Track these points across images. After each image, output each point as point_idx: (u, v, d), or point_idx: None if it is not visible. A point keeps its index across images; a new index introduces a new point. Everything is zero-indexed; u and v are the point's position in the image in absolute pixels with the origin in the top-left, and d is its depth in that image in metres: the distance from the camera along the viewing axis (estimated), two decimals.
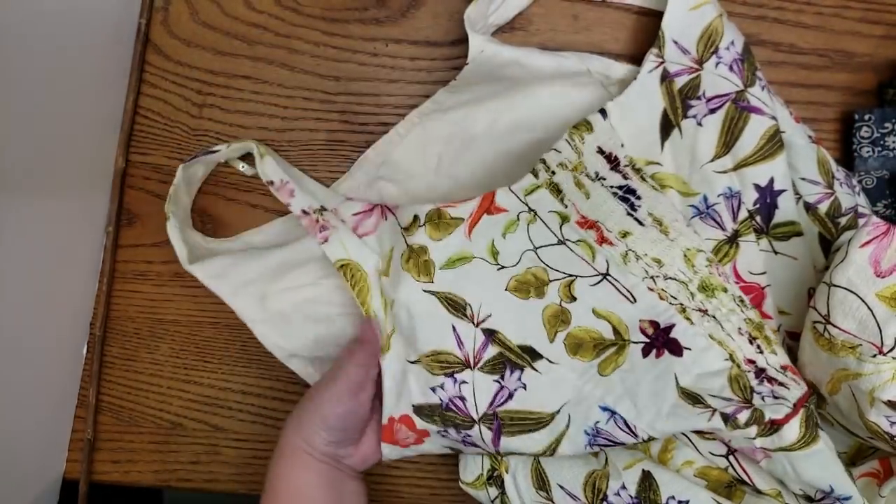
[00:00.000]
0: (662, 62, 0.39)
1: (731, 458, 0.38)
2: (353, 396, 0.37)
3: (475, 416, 0.37)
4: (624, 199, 0.40)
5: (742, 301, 0.38)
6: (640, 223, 0.39)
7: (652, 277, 0.38)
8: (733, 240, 0.40)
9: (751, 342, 0.37)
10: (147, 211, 0.48)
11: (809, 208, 0.40)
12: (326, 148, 0.47)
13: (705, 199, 0.40)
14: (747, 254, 0.40)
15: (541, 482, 0.39)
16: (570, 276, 0.38)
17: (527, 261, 0.39)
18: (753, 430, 0.35)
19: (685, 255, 0.39)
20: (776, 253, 0.40)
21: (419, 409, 0.38)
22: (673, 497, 0.37)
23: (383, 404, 0.39)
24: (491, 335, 0.37)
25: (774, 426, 0.34)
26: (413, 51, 0.47)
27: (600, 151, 0.40)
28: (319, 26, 0.47)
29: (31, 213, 0.40)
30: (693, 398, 0.36)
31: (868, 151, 0.44)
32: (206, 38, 0.47)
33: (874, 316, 0.33)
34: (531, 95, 0.44)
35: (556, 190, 0.40)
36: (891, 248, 0.33)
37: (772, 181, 0.39)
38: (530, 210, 0.39)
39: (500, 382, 0.37)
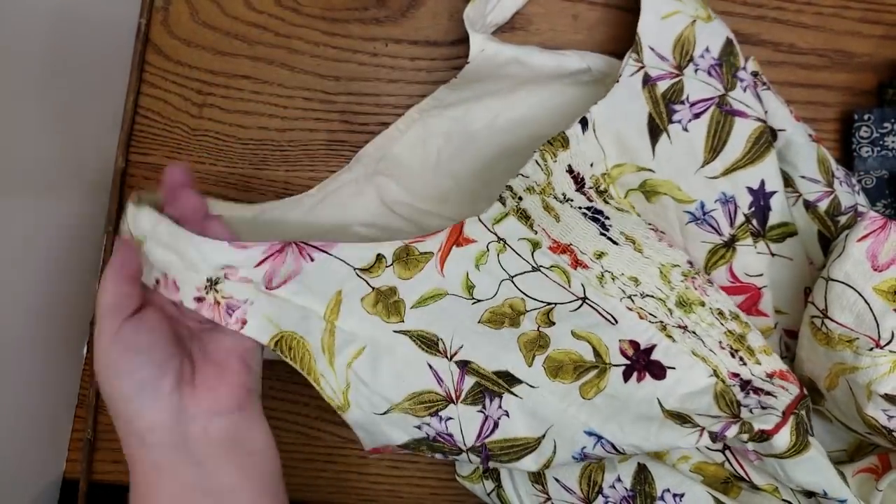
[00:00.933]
0: (643, 66, 0.39)
1: (727, 453, 0.38)
2: (130, 319, 0.32)
3: (463, 447, 0.36)
4: (594, 220, 0.39)
5: (721, 313, 0.38)
6: (614, 242, 0.39)
7: (630, 297, 0.37)
8: (730, 244, 0.40)
9: (732, 355, 0.37)
10: None
11: (809, 206, 0.40)
12: (326, 148, 0.47)
13: (702, 205, 0.39)
14: (744, 257, 0.39)
15: (536, 475, 0.39)
16: (549, 304, 0.37)
17: (505, 290, 0.37)
18: (745, 436, 0.35)
19: (661, 272, 0.39)
20: (773, 255, 0.40)
21: (405, 445, 0.36)
22: (668, 490, 0.37)
23: (362, 441, 0.37)
24: (465, 366, 0.35)
25: (764, 435, 0.34)
26: (413, 51, 0.47)
27: (570, 171, 0.40)
28: (319, 26, 0.47)
29: (31, 213, 0.40)
30: (680, 418, 0.35)
31: (867, 151, 0.44)
32: (206, 38, 0.47)
33: (871, 310, 0.33)
34: (531, 93, 0.44)
35: (525, 216, 0.38)
36: (888, 242, 0.33)
37: (763, 183, 0.39)
38: (499, 239, 0.37)
39: (483, 413, 0.35)
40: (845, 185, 0.40)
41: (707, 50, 0.39)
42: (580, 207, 0.39)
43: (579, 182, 0.40)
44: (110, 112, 0.47)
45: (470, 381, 0.35)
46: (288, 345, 0.35)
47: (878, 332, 0.33)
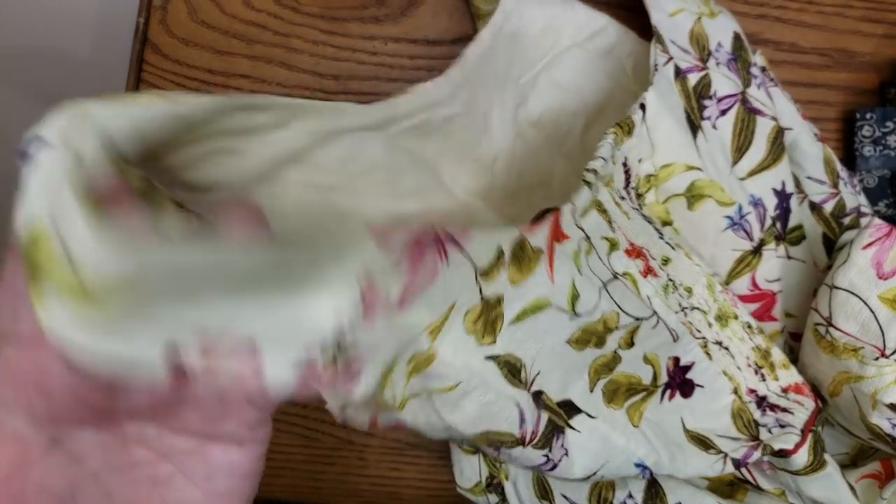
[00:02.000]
0: (671, 57, 0.36)
1: None
2: None
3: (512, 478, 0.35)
4: (649, 221, 0.35)
5: (749, 327, 0.37)
6: (672, 248, 0.35)
7: (683, 309, 0.34)
8: (758, 250, 0.38)
9: (756, 372, 0.36)
10: None
11: (814, 208, 0.39)
12: None
13: (740, 208, 0.37)
14: (767, 262, 0.38)
15: (543, 491, 0.38)
16: (637, 319, 0.32)
17: (604, 304, 0.31)
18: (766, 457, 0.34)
19: (708, 282, 0.36)
20: (789, 258, 0.39)
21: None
22: (680, 503, 0.36)
23: None
24: (538, 398, 0.30)
25: (784, 454, 0.33)
26: (413, 49, 0.46)
27: (624, 165, 0.34)
28: (318, 25, 0.47)
29: None
30: (703, 443, 0.33)
31: (870, 151, 0.43)
32: (204, 37, 0.47)
33: (876, 318, 0.33)
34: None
35: (602, 209, 0.31)
36: (893, 249, 0.33)
37: (784, 185, 0.37)
38: (587, 237, 0.30)
39: (548, 456, 0.31)
40: (849, 186, 0.40)
41: (720, 45, 0.37)
42: (632, 207, 0.35)
43: (627, 180, 0.35)
44: None
45: (544, 417, 0.30)
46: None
47: (884, 342, 0.32)
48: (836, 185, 0.39)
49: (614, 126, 0.33)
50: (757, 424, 0.34)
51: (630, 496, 0.37)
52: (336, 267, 0.19)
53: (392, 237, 0.22)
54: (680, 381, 0.33)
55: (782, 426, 0.34)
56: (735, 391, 0.35)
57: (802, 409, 0.35)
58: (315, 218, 0.32)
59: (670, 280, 0.33)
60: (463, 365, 0.28)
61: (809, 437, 0.33)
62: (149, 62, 0.47)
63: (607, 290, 0.31)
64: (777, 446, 0.33)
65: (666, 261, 0.34)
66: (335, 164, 0.34)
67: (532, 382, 0.30)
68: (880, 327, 0.32)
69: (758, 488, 0.37)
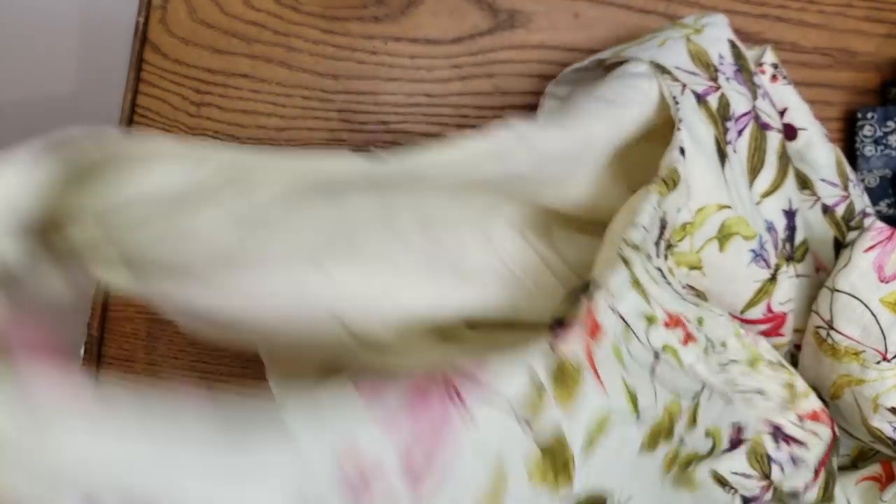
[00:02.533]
0: (684, 84, 0.31)
1: None
2: None
3: None
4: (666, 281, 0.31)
5: (771, 364, 0.34)
6: (697, 305, 0.31)
7: (723, 366, 0.31)
8: (774, 276, 0.35)
9: (782, 407, 0.33)
10: None
11: (826, 211, 0.38)
12: (326, 147, 0.47)
13: (760, 238, 0.33)
14: (781, 286, 0.35)
15: None
16: (694, 398, 0.28)
17: (661, 392, 0.26)
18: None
19: (735, 332, 0.32)
20: (798, 276, 0.36)
21: None
22: None
23: None
24: None
25: (794, 495, 0.32)
26: (413, 49, 0.46)
27: (661, 220, 0.29)
28: (318, 24, 0.47)
29: None
30: (721, 482, 0.31)
31: (871, 150, 0.43)
32: (204, 37, 0.47)
33: (878, 322, 0.32)
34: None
35: (637, 283, 0.26)
36: (895, 252, 0.33)
37: (790, 202, 0.35)
38: (626, 323, 0.25)
39: None
40: (858, 188, 0.39)
41: (721, 56, 0.34)
42: (657, 268, 0.31)
43: (661, 234, 0.30)
44: (108, 111, 0.46)
45: None
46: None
47: (885, 345, 0.32)
48: (846, 188, 0.38)
49: (657, 182, 0.28)
50: (769, 460, 0.31)
51: None
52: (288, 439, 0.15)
53: (384, 392, 0.17)
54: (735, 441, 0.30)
55: (795, 463, 0.31)
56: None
57: (818, 442, 0.33)
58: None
59: (708, 341, 0.29)
60: None
61: (822, 474, 0.32)
62: (148, 62, 0.47)
63: (654, 376, 0.26)
64: (787, 488, 0.31)
65: (700, 321, 0.29)
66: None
67: None
68: (882, 331, 0.32)
69: None
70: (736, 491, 0.32)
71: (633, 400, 0.24)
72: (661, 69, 0.32)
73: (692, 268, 0.33)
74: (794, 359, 0.39)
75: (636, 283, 0.26)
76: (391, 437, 0.17)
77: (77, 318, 0.46)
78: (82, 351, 0.47)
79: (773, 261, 0.35)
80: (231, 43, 0.47)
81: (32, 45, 0.37)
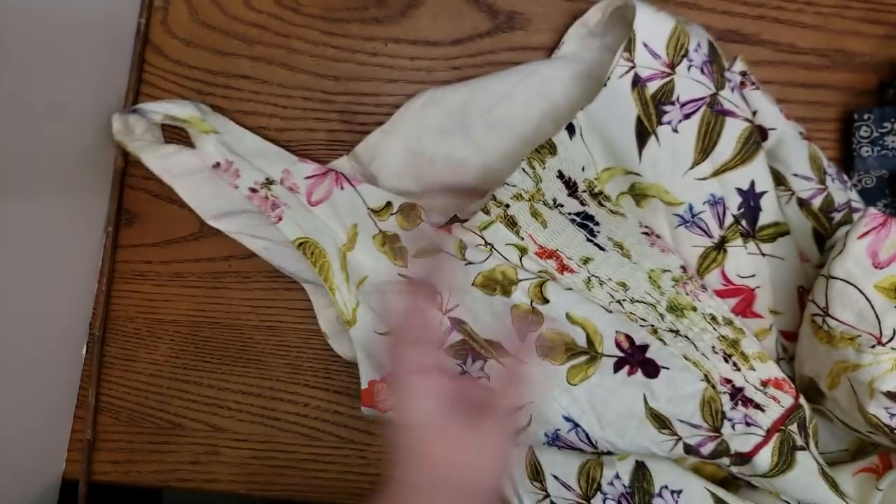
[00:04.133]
0: (633, 66, 0.38)
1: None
2: None
3: None
4: (582, 226, 0.40)
5: (713, 318, 0.38)
6: (602, 248, 0.39)
7: (619, 301, 0.38)
8: (720, 246, 0.40)
9: (726, 360, 0.37)
10: (147, 211, 0.48)
11: (803, 204, 0.40)
12: (326, 148, 0.47)
13: (691, 207, 0.39)
14: (735, 258, 0.40)
15: (535, 473, 0.39)
16: (541, 276, 0.37)
17: (494, 260, 0.38)
18: (726, 459, 0.35)
19: (650, 277, 0.39)
20: (763, 255, 0.40)
21: None
22: (666, 487, 0.37)
23: (360, 371, 0.40)
24: (458, 324, 0.37)
25: (743, 458, 0.34)
26: (412, 50, 0.47)
27: (560, 176, 0.40)
28: (319, 26, 0.47)
29: (31, 213, 0.40)
30: (661, 422, 0.35)
31: (867, 151, 0.44)
32: (205, 38, 0.47)
33: (873, 307, 0.33)
34: (528, 87, 0.43)
35: (511, 223, 0.39)
36: (889, 239, 0.33)
37: (753, 184, 0.39)
38: (487, 244, 0.38)
39: (462, 367, 0.37)
40: (838, 182, 0.40)
41: (699, 45, 0.38)
42: (570, 213, 0.40)
43: (571, 187, 0.40)
44: (110, 112, 0.47)
45: (457, 336, 0.37)
46: (311, 250, 0.41)
47: (880, 330, 0.33)
48: (823, 182, 0.40)
49: (532, 152, 0.39)
50: (723, 416, 0.35)
51: (617, 476, 0.37)
52: None
53: (307, 162, 0.43)
54: (641, 360, 0.36)
55: (748, 424, 0.34)
56: (706, 378, 0.35)
57: (777, 406, 0.36)
58: None
59: (593, 276, 0.38)
60: (372, 268, 0.40)
61: (775, 437, 0.34)
62: (150, 62, 0.48)
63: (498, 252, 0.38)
64: (734, 447, 0.34)
65: (586, 260, 0.39)
66: None
67: (450, 310, 0.37)
68: (876, 315, 0.33)
69: (749, 484, 0.37)
70: (679, 438, 0.34)
71: (461, 249, 0.38)
72: (630, 43, 0.38)
73: (617, 213, 0.41)
74: (789, 357, 0.40)
75: (507, 221, 0.39)
76: (307, 179, 0.42)
77: (79, 317, 0.47)
78: (84, 350, 0.47)
79: (716, 231, 0.40)
80: (232, 44, 0.47)
81: (32, 46, 0.37)
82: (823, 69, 0.45)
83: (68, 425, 0.47)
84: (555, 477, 0.39)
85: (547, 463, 0.39)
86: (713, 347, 0.37)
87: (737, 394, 0.35)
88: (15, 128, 0.38)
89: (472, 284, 0.37)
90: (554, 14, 0.46)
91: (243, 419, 0.47)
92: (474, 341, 0.37)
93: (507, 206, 0.39)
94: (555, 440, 0.36)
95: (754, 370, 0.37)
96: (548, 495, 0.39)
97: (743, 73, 0.41)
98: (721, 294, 0.40)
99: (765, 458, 0.34)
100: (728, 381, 0.36)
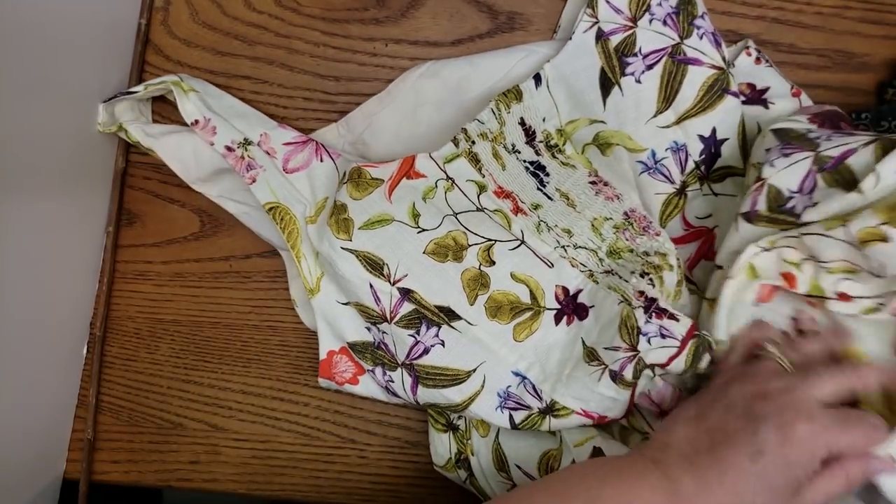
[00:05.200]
0: (596, 22, 0.41)
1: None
2: None
3: (397, 362, 0.39)
4: (534, 175, 0.42)
5: (646, 253, 0.40)
6: (549, 198, 0.41)
7: (563, 247, 0.40)
8: (681, 191, 0.42)
9: (643, 276, 0.39)
10: (147, 211, 0.48)
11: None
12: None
13: (653, 154, 0.41)
14: (693, 201, 0.42)
15: (500, 463, 0.41)
16: (490, 240, 0.39)
17: (448, 224, 0.39)
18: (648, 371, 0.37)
19: (592, 225, 0.41)
20: (716, 195, 0.42)
21: (353, 346, 0.40)
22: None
23: (319, 341, 0.41)
24: (407, 294, 0.38)
25: (661, 368, 0.37)
26: (413, 51, 0.47)
27: (521, 123, 0.42)
28: (319, 26, 0.47)
29: (31, 213, 0.40)
30: (591, 356, 0.37)
31: None
32: (206, 39, 0.47)
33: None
34: (525, 63, 0.44)
35: (475, 160, 0.41)
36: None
37: (714, 131, 0.40)
38: (448, 178, 0.40)
39: (415, 337, 0.38)
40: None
41: (663, 1, 0.40)
42: (525, 160, 0.42)
43: (530, 135, 0.42)
44: None
45: (409, 307, 0.38)
46: (281, 216, 0.41)
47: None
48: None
49: (499, 95, 0.41)
50: (639, 332, 0.36)
51: (573, 463, 0.38)
52: None
53: (287, 128, 0.43)
54: (574, 307, 0.39)
55: (663, 336, 0.36)
56: (624, 298, 0.38)
57: (689, 315, 0.38)
58: None
59: (542, 221, 0.41)
60: (325, 253, 0.39)
61: (689, 345, 0.36)
62: (150, 63, 0.48)
63: (457, 218, 0.39)
64: (650, 360, 0.36)
65: (536, 206, 0.41)
66: None
67: (399, 280, 0.38)
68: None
69: (642, 432, 0.40)
70: (605, 367, 0.37)
71: (415, 216, 0.39)
72: (593, 1, 0.40)
73: (593, 169, 0.43)
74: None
75: (471, 157, 0.41)
76: (286, 145, 0.43)
77: (79, 317, 0.47)
78: (84, 350, 0.47)
79: (677, 177, 0.41)
80: (233, 45, 0.47)
81: (33, 46, 0.37)
82: (823, 69, 0.45)
83: (69, 425, 0.47)
84: (518, 466, 0.40)
85: (510, 453, 0.41)
86: (633, 272, 0.39)
87: (650, 305, 0.37)
88: (15, 128, 0.38)
89: (424, 252, 0.38)
90: (554, 14, 0.46)
91: (244, 419, 0.47)
92: (426, 309, 0.38)
93: (473, 142, 0.41)
94: (506, 400, 0.38)
95: (671, 271, 0.39)
96: (514, 484, 0.40)
97: (758, 51, 0.42)
98: (683, 239, 0.42)
99: (679, 365, 0.36)
100: (641, 293, 0.38)
